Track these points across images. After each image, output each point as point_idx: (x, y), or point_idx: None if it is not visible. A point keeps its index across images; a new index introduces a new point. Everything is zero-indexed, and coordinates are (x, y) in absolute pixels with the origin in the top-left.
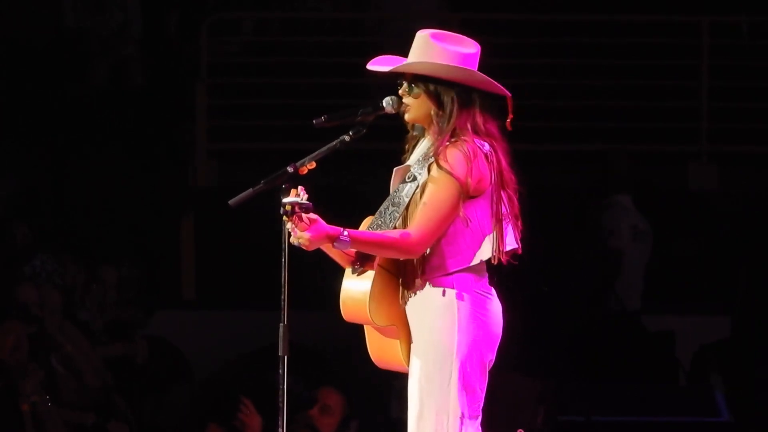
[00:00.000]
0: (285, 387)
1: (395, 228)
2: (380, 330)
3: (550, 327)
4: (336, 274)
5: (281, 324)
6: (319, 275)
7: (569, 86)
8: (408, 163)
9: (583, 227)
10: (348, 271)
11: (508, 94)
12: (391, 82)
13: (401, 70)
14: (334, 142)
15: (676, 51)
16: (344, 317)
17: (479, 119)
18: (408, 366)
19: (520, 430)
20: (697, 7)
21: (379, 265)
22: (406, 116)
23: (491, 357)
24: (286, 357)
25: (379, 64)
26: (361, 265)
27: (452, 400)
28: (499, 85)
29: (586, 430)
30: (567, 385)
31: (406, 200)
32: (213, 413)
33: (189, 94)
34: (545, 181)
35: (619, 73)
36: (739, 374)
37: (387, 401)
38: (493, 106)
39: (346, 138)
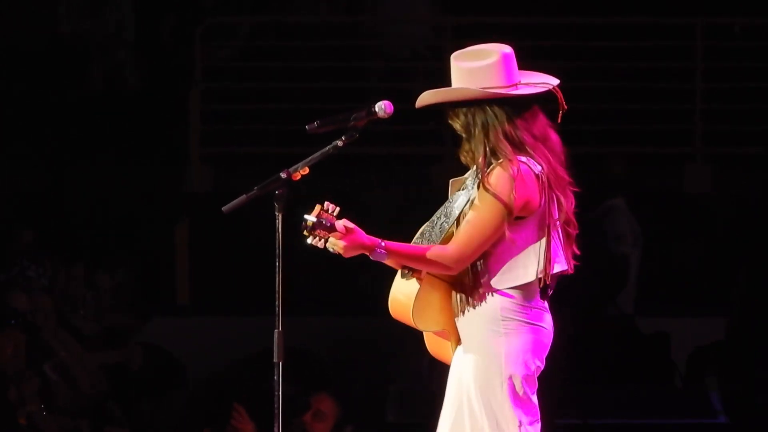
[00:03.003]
0: (281, 393)
1: (443, 239)
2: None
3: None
4: (332, 279)
5: (276, 330)
6: (317, 281)
7: (563, 89)
8: (465, 175)
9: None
10: (399, 273)
11: (532, 93)
12: (384, 89)
13: (419, 105)
14: (327, 148)
15: (670, 53)
16: (392, 315)
17: (509, 129)
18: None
19: None
20: (691, 10)
21: (427, 273)
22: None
23: (540, 364)
24: (281, 363)
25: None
26: (410, 271)
27: (508, 410)
28: (525, 88)
29: None
30: (563, 388)
31: (457, 212)
32: (207, 419)
33: (183, 99)
34: None
35: (614, 76)
36: (734, 376)
37: (383, 406)
38: (527, 106)
39: (339, 143)
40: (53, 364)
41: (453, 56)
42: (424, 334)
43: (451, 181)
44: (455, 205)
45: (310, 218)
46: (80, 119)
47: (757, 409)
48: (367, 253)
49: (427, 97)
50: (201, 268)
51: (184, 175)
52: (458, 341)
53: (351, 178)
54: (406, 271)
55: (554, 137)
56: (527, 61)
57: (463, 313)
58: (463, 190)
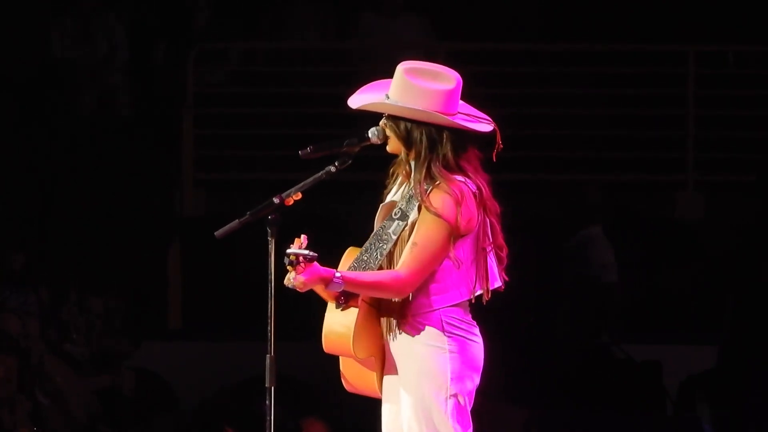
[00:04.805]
0: (272, 418)
1: (380, 265)
2: (359, 361)
3: (537, 356)
4: (322, 304)
5: (268, 355)
6: (305, 306)
7: (555, 116)
8: (394, 199)
9: (565, 257)
10: (331, 305)
11: (487, 130)
12: (377, 115)
13: (367, 108)
14: (320, 173)
15: (662, 80)
16: (325, 350)
17: (450, 157)
18: (381, 392)
19: None
20: (684, 37)
21: (363, 300)
22: (387, 147)
23: (477, 381)
24: (273, 388)
25: (364, 93)
26: (345, 301)
27: (451, 427)
28: (475, 121)
29: None
30: (553, 414)
31: (394, 237)
32: None
33: (176, 124)
34: (530, 211)
35: (606, 103)
36: (726, 403)
37: (374, 430)
38: (470, 138)
39: (332, 168)
40: (45, 389)
41: (405, 69)
42: (343, 369)
43: (381, 205)
44: (390, 231)
45: (293, 251)
46: (72, 143)
47: None
48: (323, 285)
49: (381, 107)
50: (193, 293)
51: (177, 199)
52: (382, 367)
53: (341, 204)
54: (341, 301)
55: (483, 171)
56: (517, 87)
57: (402, 334)
58: (395, 216)
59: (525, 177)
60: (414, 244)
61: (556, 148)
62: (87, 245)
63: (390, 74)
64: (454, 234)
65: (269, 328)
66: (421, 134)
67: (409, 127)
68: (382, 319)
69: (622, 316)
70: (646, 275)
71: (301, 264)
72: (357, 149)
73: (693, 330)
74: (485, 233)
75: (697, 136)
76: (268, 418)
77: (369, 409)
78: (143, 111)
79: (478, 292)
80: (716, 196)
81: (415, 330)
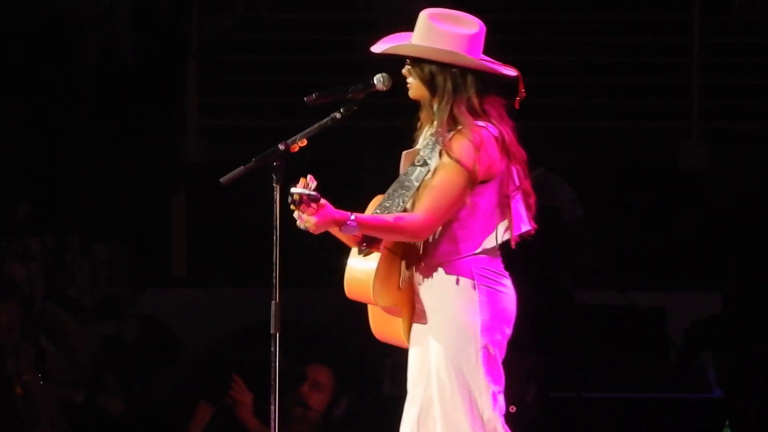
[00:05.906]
0: (277, 364)
1: (404, 211)
2: (383, 309)
3: (540, 303)
4: (328, 251)
5: (273, 302)
6: (312, 253)
7: (561, 64)
8: (417, 147)
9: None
10: (354, 250)
11: (512, 74)
12: (382, 59)
13: (390, 51)
14: (325, 120)
15: (666, 27)
16: (348, 295)
17: (475, 101)
18: (408, 343)
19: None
20: None
21: (385, 247)
22: (409, 93)
23: (509, 332)
24: (278, 335)
25: (384, 43)
26: (368, 246)
27: (482, 378)
28: (500, 66)
29: (577, 407)
30: (558, 362)
31: (416, 184)
32: (203, 391)
33: (180, 72)
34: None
35: (609, 50)
36: (730, 350)
37: (379, 378)
38: (495, 85)
39: (337, 115)
40: (49, 336)
41: (429, 14)
42: (371, 317)
43: (404, 153)
44: (412, 177)
45: (296, 190)
46: (77, 92)
47: (752, 383)
48: (338, 228)
49: (406, 49)
50: (197, 240)
51: (182, 146)
52: (410, 316)
53: (347, 151)
54: (364, 247)
55: (508, 118)
56: (522, 35)
57: (431, 283)
58: (417, 163)
59: (533, 125)
60: (432, 187)
61: (561, 95)
62: (91, 192)
63: (401, 22)
64: (472, 180)
65: (274, 275)
66: (445, 78)
67: (433, 70)
68: (409, 265)
69: (625, 264)
70: (650, 223)
71: (308, 204)
72: (362, 96)
73: (697, 277)
74: (510, 178)
75: (702, 85)
76: (273, 364)
77: (373, 356)
78: (148, 59)
79: (505, 237)
80: (720, 144)
81: (444, 279)
